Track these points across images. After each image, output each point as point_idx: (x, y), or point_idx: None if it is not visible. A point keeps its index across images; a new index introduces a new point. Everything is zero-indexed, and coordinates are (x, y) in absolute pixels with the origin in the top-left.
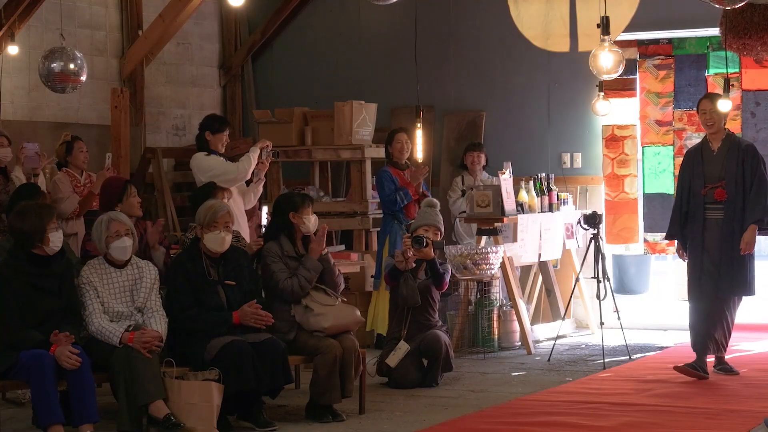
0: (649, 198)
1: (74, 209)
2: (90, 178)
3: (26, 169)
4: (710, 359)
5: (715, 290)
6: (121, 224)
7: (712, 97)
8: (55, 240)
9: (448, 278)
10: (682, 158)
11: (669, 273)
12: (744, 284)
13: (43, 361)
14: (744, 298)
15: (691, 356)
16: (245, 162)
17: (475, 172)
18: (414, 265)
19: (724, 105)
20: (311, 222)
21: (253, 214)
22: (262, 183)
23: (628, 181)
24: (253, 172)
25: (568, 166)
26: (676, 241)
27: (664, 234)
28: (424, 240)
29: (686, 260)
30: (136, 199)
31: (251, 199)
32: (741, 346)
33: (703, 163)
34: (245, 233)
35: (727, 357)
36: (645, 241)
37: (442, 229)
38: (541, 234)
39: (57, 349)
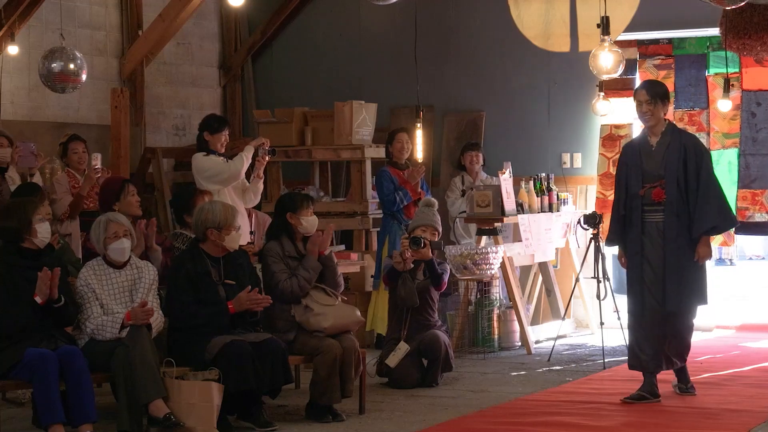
0: None
1: (64, 211)
2: None
3: (22, 169)
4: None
5: (661, 303)
6: (120, 225)
7: (649, 85)
8: (43, 231)
9: (446, 278)
10: None
11: None
12: (695, 293)
13: (46, 360)
14: (741, 302)
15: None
16: (237, 162)
17: (474, 172)
18: (412, 266)
19: (723, 105)
20: (309, 223)
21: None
22: (261, 181)
23: None
24: (249, 171)
25: (568, 166)
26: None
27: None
28: (422, 241)
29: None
30: (134, 198)
31: (251, 198)
32: (741, 346)
33: (641, 160)
34: (246, 233)
35: (728, 355)
36: None
37: (440, 229)
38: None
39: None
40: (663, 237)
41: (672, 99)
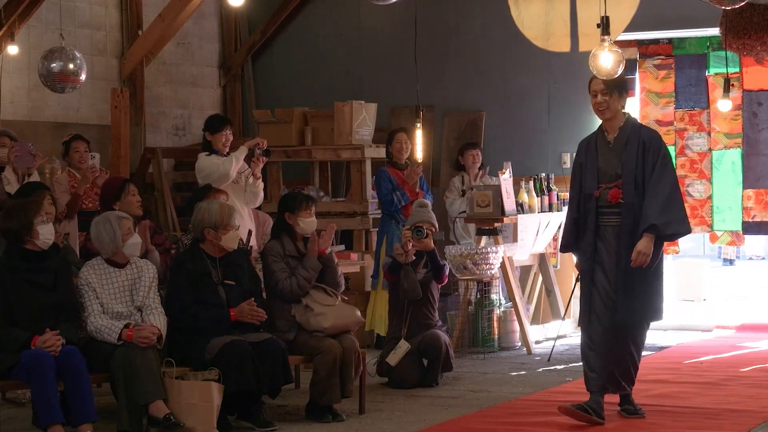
0: None
1: (61, 210)
2: None
3: (21, 169)
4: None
5: (611, 316)
6: (129, 220)
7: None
8: (45, 233)
9: (447, 271)
10: (683, 158)
11: (669, 273)
12: (648, 306)
13: (43, 361)
14: (746, 305)
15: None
16: (226, 162)
17: (474, 172)
18: (414, 258)
19: (723, 105)
20: (306, 224)
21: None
22: (259, 181)
23: None
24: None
25: (568, 166)
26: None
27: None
28: (425, 230)
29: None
30: (135, 198)
31: (252, 199)
32: (741, 346)
33: (597, 157)
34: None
35: (728, 355)
36: None
37: (436, 226)
38: (538, 231)
39: (37, 340)
40: (618, 242)
41: (627, 92)
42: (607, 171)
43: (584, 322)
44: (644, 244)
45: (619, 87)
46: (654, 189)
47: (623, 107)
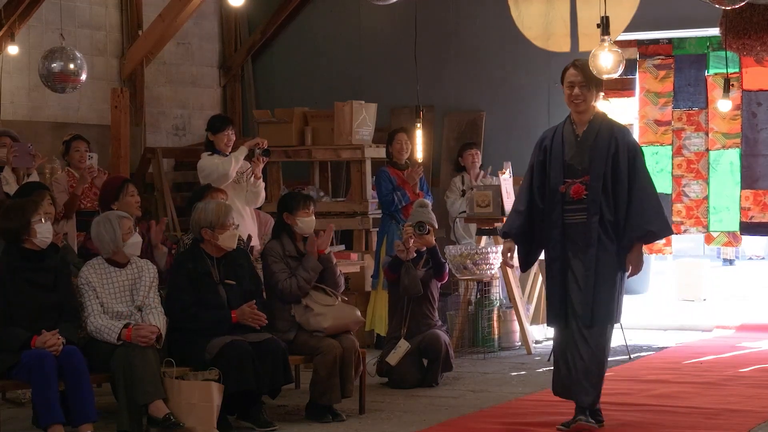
0: None
1: (59, 210)
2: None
3: (21, 169)
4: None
5: (574, 316)
6: (129, 220)
7: (582, 66)
8: (43, 231)
9: (447, 268)
10: (680, 158)
11: (669, 273)
12: (604, 309)
13: (44, 361)
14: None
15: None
16: (226, 162)
17: (474, 171)
18: (415, 254)
19: (723, 105)
20: (305, 224)
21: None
22: (260, 181)
23: None
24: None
25: None
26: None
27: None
28: (426, 226)
29: (519, 272)
30: (134, 199)
31: (253, 199)
32: (741, 346)
33: (563, 150)
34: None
35: (728, 355)
36: None
37: (436, 226)
38: None
39: (37, 339)
40: (582, 240)
41: (602, 89)
42: (573, 166)
43: (555, 324)
44: (637, 256)
45: (597, 81)
46: (640, 192)
47: (596, 100)
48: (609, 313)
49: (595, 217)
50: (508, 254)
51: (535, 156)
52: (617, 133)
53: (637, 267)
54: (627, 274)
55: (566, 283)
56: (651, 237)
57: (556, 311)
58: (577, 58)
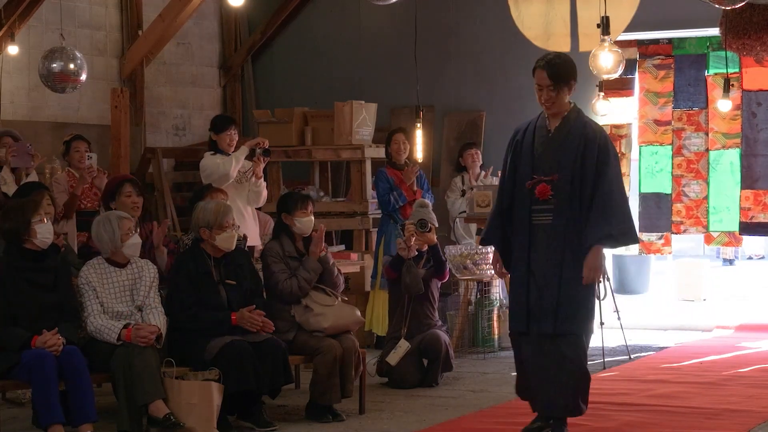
0: (645, 197)
1: (59, 210)
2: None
3: (21, 169)
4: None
5: (538, 323)
6: (130, 221)
7: (550, 66)
8: (43, 232)
9: (448, 267)
10: (680, 158)
11: (669, 273)
12: (569, 318)
13: (44, 361)
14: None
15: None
16: (227, 162)
17: (475, 171)
18: (416, 252)
19: (723, 105)
20: (303, 224)
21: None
22: (261, 181)
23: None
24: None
25: None
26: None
27: (659, 234)
28: (428, 224)
29: (506, 276)
30: (129, 199)
31: (254, 199)
32: (741, 346)
33: (534, 145)
34: (248, 234)
35: (728, 355)
36: (640, 241)
37: (436, 225)
38: None
39: (37, 339)
40: (548, 242)
41: (575, 80)
42: (543, 163)
43: (518, 328)
44: (594, 259)
45: (566, 78)
46: (604, 195)
47: (570, 93)
48: (576, 321)
49: (561, 219)
50: (497, 264)
51: (507, 154)
52: (589, 132)
53: (594, 272)
54: (583, 279)
55: (529, 288)
56: (609, 241)
57: (518, 317)
58: (544, 54)
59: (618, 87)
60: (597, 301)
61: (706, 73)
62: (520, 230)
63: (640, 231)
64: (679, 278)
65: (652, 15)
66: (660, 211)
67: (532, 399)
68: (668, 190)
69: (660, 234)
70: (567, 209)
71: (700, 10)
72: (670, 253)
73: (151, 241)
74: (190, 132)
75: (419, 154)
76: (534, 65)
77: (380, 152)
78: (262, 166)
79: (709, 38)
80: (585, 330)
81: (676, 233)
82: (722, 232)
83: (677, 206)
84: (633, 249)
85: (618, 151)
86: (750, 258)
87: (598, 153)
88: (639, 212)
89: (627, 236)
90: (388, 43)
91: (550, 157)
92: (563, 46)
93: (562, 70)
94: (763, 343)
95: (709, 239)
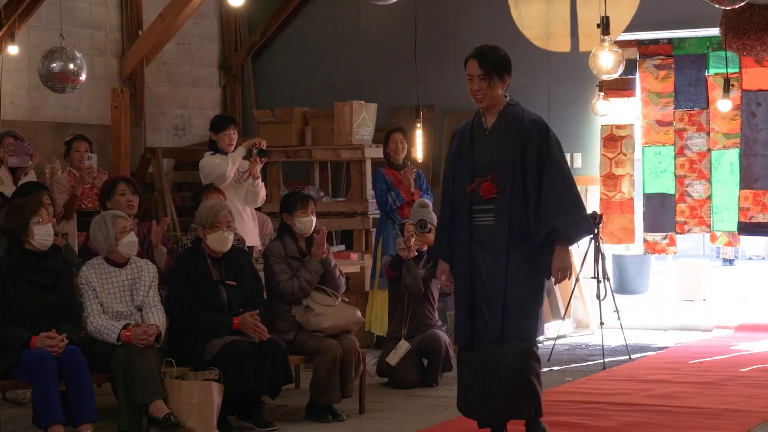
0: (649, 198)
1: (59, 210)
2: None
3: (21, 169)
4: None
5: (486, 330)
6: (125, 220)
7: (482, 55)
8: (41, 233)
9: None
10: (683, 158)
11: (669, 273)
12: (522, 324)
13: (44, 361)
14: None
15: None
16: (224, 163)
17: None
18: (416, 253)
19: (723, 105)
20: (303, 224)
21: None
22: (258, 181)
23: (625, 180)
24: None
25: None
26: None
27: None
28: (428, 224)
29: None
30: (124, 198)
31: (252, 199)
32: (741, 346)
33: (472, 147)
34: (247, 234)
35: (728, 355)
36: (645, 241)
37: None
38: None
39: (36, 339)
40: (493, 243)
41: (509, 73)
42: (482, 162)
43: (463, 337)
44: (561, 259)
45: (499, 69)
46: (547, 187)
47: (504, 88)
48: (524, 326)
49: (504, 219)
50: (443, 277)
51: (448, 158)
52: (527, 123)
53: (563, 272)
54: (553, 279)
55: (474, 294)
56: (557, 236)
57: (462, 326)
58: (480, 44)
59: (618, 87)
60: (546, 300)
61: (706, 73)
62: (461, 233)
63: (645, 231)
64: (679, 278)
65: (652, 15)
66: (664, 212)
67: (477, 411)
68: (672, 191)
69: (665, 234)
70: (510, 207)
71: (700, 10)
72: (675, 252)
73: (150, 240)
74: (190, 132)
75: (419, 154)
76: (466, 57)
77: (380, 152)
78: (259, 166)
79: (709, 38)
80: (533, 333)
81: (680, 233)
82: (724, 231)
83: (681, 206)
84: (637, 248)
85: (620, 152)
86: (750, 258)
87: (539, 144)
88: (643, 213)
89: (573, 228)
90: (388, 43)
91: (488, 155)
92: (563, 46)
93: (494, 61)
94: (763, 343)
95: (713, 238)
